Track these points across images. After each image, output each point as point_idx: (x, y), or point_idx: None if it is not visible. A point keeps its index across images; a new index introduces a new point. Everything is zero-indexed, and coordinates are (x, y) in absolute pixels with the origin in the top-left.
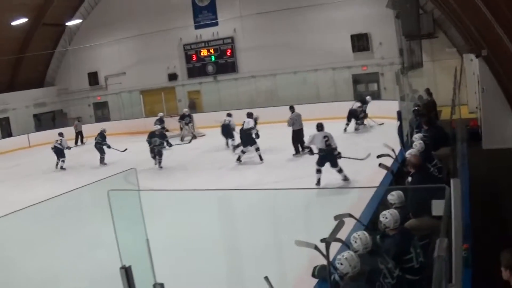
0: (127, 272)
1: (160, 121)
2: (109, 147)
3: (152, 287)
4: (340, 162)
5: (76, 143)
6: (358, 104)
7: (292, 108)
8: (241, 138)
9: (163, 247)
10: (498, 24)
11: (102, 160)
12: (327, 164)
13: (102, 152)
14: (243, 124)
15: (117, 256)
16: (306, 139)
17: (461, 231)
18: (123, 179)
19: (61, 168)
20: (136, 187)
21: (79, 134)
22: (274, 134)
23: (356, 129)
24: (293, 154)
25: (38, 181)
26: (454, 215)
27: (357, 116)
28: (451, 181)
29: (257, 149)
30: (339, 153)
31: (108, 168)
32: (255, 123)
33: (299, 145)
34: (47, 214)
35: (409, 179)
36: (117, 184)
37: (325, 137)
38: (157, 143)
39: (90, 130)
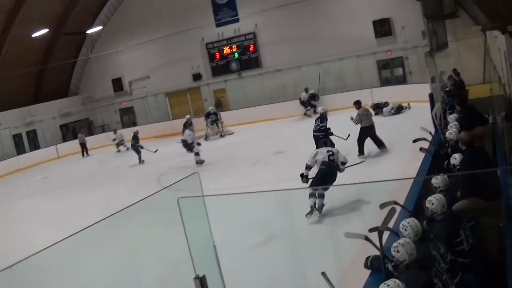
0: (201, 282)
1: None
2: (142, 147)
3: None
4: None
5: (82, 155)
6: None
7: (358, 104)
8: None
9: (228, 250)
10: None
11: (140, 159)
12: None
13: (138, 152)
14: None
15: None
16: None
17: None
18: (185, 184)
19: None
20: (200, 192)
21: (83, 146)
22: (301, 127)
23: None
24: (358, 155)
25: (71, 191)
26: None
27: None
28: None
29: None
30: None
31: (137, 171)
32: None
33: (374, 143)
34: (119, 224)
35: (453, 160)
36: (181, 190)
37: (328, 151)
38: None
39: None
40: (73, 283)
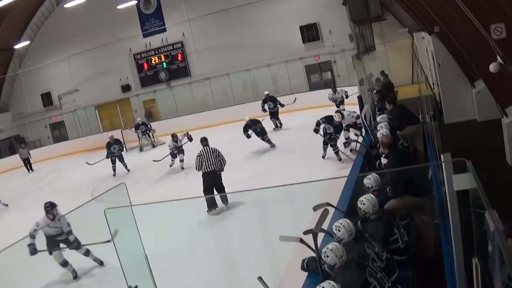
0: None
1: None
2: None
3: None
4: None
5: (28, 171)
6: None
7: (203, 141)
8: None
9: (160, 259)
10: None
11: (126, 167)
12: None
13: (121, 160)
14: None
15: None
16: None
17: (456, 204)
18: (113, 195)
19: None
20: (128, 202)
21: (26, 161)
22: (231, 134)
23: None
24: (208, 211)
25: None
26: (448, 189)
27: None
28: (442, 155)
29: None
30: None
31: (72, 185)
32: None
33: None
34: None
35: (383, 160)
36: (109, 201)
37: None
38: None
39: (51, 151)
40: None
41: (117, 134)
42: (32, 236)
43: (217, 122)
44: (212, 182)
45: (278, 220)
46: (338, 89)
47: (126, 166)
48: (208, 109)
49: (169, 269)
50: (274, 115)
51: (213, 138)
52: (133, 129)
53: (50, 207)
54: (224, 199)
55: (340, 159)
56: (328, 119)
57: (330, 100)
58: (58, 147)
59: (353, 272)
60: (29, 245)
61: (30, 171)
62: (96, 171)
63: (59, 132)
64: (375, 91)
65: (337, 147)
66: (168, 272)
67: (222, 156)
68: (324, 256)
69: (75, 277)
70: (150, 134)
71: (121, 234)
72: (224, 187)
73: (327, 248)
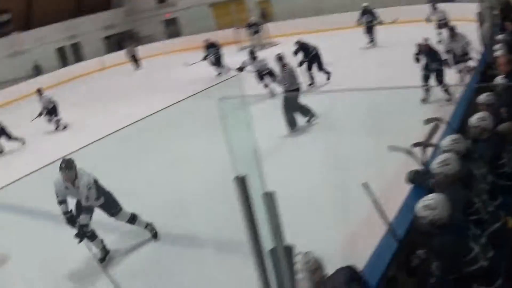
0: (242, 182)
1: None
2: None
3: (262, 196)
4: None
5: (135, 67)
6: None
7: (281, 59)
8: None
9: (269, 156)
10: None
11: (229, 67)
12: None
13: (221, 62)
14: None
15: (225, 167)
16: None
17: None
18: (226, 87)
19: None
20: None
21: (134, 57)
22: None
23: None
24: (290, 131)
25: (120, 101)
26: None
27: None
28: None
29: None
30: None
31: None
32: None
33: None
34: (155, 127)
35: (500, 80)
36: (221, 93)
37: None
38: None
39: (164, 47)
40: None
41: (229, 33)
42: (60, 202)
43: (330, 27)
44: (296, 99)
45: (388, 129)
46: (439, 6)
47: (229, 66)
48: (323, 14)
49: (277, 167)
50: (369, 30)
51: (329, 42)
52: (245, 28)
53: (65, 168)
54: (309, 113)
55: (449, 100)
56: (425, 48)
57: (427, 20)
58: (171, 44)
59: (459, 189)
60: (64, 213)
61: (138, 67)
62: (206, 69)
63: (172, 29)
64: (495, 10)
65: (444, 83)
66: (276, 169)
67: None
68: (441, 166)
69: (103, 258)
70: (261, 35)
71: (233, 127)
72: (304, 107)
73: (440, 159)
